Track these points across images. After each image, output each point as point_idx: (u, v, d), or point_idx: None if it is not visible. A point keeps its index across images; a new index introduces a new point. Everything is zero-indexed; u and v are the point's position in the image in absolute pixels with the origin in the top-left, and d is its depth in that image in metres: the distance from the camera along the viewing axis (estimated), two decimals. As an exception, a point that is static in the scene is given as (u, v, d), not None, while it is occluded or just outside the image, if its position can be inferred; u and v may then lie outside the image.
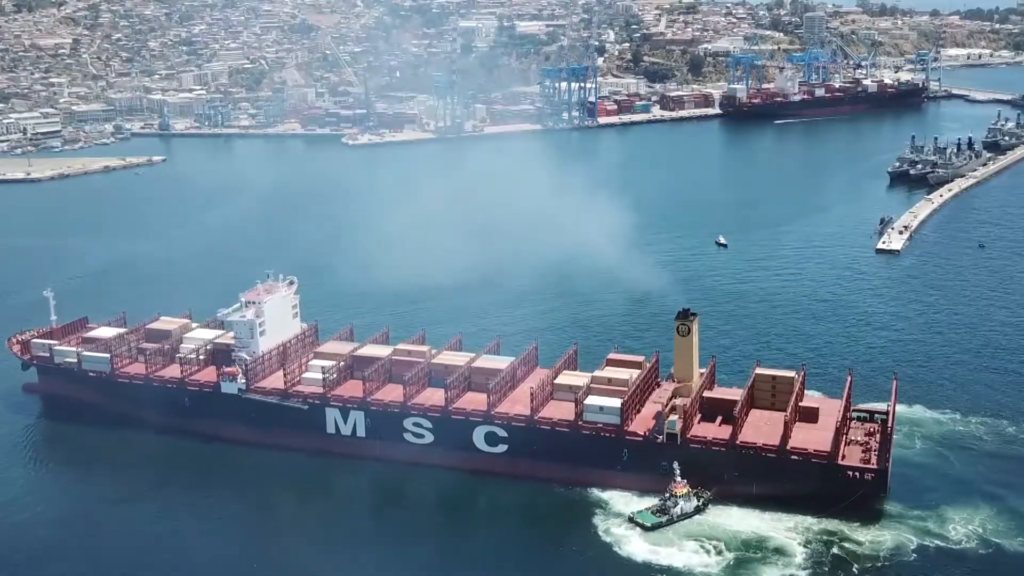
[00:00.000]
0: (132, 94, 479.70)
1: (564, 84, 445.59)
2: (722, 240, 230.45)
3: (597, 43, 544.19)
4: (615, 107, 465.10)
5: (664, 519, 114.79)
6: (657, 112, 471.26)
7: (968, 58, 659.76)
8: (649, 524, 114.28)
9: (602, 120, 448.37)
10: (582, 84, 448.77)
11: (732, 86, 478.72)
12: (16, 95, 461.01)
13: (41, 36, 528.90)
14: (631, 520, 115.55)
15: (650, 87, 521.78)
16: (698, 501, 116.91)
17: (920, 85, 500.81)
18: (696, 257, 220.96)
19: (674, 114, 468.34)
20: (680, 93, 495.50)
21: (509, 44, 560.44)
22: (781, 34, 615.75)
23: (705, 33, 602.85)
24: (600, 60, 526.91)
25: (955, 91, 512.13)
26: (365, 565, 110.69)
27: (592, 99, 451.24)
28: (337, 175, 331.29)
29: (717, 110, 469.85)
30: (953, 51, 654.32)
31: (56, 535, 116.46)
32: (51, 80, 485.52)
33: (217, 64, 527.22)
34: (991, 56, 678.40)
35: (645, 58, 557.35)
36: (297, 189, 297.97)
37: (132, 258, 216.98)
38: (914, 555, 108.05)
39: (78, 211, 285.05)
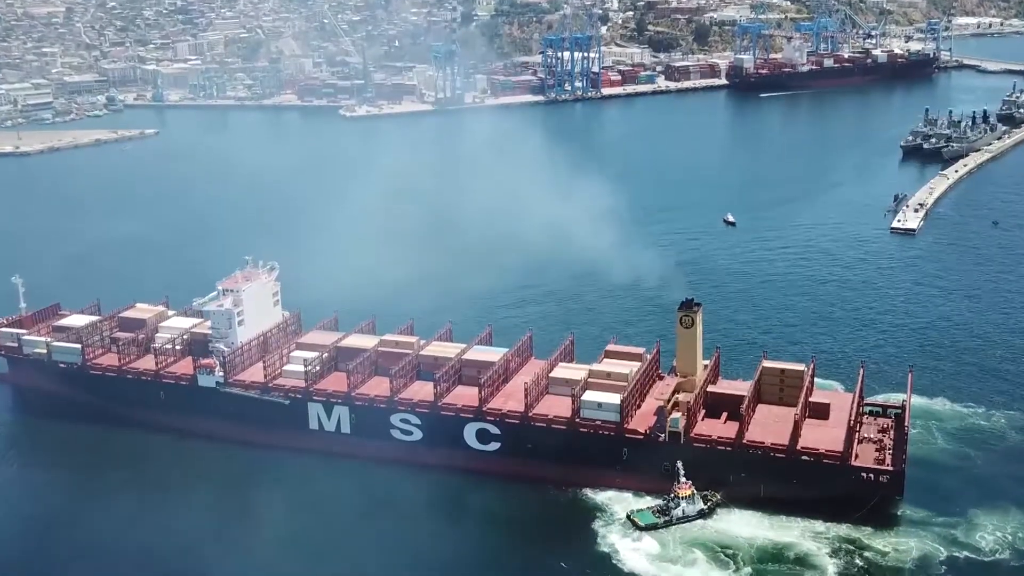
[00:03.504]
0: (126, 64, 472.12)
1: (567, 54, 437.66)
2: (730, 218, 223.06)
3: (600, 11, 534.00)
4: (619, 77, 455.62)
5: (662, 520, 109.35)
6: (662, 83, 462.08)
7: (979, 27, 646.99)
8: (644, 524, 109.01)
9: (606, 91, 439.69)
10: (585, 54, 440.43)
11: (739, 56, 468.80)
12: (7, 65, 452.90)
13: (34, 4, 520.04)
14: (629, 518, 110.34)
15: (655, 57, 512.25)
16: (704, 504, 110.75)
17: (931, 55, 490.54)
18: (703, 236, 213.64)
19: (679, 85, 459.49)
20: (685, 63, 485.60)
21: (510, 12, 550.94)
22: (788, 2, 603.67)
23: (711, 1, 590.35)
24: (604, 29, 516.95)
25: (966, 61, 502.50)
26: (349, 571, 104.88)
27: (596, 69, 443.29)
28: (332, 150, 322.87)
29: (723, 81, 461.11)
30: (963, 20, 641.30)
31: (21, 534, 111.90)
32: (43, 50, 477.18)
33: (213, 33, 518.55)
34: (1002, 25, 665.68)
35: (649, 27, 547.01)
36: (289, 165, 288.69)
37: (110, 239, 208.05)
38: (943, 567, 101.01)
39: (61, 188, 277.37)
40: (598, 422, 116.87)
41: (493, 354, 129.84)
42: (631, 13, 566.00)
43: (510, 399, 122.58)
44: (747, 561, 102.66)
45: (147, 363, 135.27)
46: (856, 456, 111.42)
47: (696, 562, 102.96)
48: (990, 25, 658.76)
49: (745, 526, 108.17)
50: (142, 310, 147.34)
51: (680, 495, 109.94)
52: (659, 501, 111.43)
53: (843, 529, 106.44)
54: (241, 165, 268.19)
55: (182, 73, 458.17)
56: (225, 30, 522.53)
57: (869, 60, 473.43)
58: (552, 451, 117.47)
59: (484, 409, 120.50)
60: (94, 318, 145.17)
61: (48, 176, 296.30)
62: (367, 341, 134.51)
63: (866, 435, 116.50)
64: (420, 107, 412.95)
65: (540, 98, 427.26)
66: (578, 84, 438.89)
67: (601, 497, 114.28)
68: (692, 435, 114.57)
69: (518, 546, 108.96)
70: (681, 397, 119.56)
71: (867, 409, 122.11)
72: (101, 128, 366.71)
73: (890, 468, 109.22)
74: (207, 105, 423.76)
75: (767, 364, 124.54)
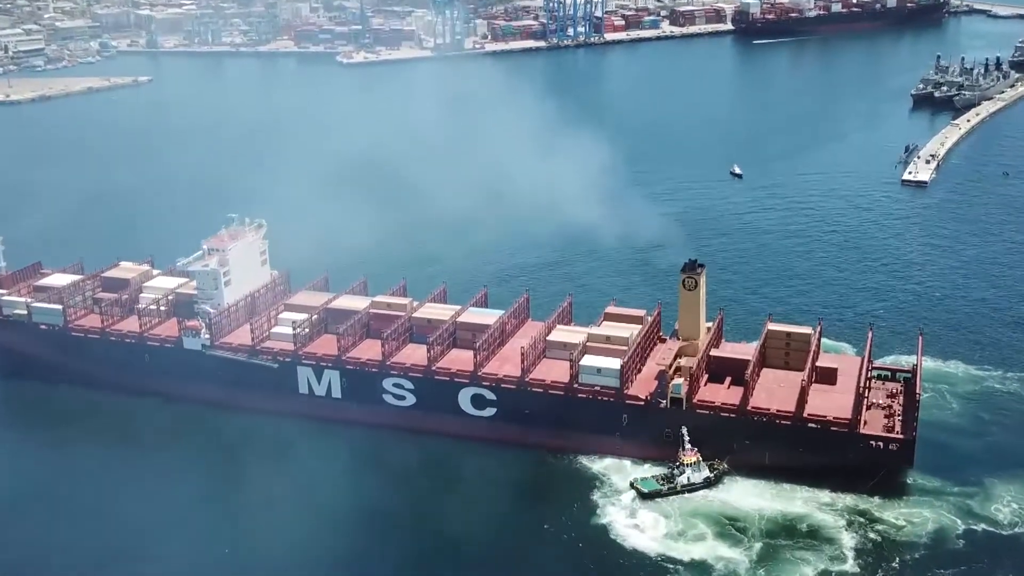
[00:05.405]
0: (119, 10, 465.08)
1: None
2: (737, 170, 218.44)
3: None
4: (622, 22, 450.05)
5: (665, 487, 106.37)
6: (666, 28, 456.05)
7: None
8: (646, 490, 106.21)
9: (609, 36, 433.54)
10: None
11: (745, 0, 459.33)
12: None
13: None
14: (632, 486, 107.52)
15: (659, 1, 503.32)
16: (710, 472, 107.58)
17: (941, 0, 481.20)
18: (709, 189, 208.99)
19: (684, 30, 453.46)
20: (690, 8, 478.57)
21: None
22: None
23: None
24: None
25: (977, 6, 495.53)
26: (340, 539, 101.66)
27: (598, 14, 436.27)
28: (328, 98, 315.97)
29: (729, 26, 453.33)
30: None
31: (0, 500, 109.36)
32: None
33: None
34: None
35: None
36: (283, 114, 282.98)
37: (95, 194, 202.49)
38: (961, 542, 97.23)
39: (49, 139, 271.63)
40: (597, 387, 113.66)
41: (489, 316, 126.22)
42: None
43: (506, 363, 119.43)
44: (758, 535, 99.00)
45: (131, 325, 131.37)
46: (865, 423, 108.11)
47: (704, 536, 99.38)
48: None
49: (751, 496, 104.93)
50: (126, 269, 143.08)
51: (685, 462, 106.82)
52: (662, 469, 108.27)
53: (852, 499, 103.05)
54: (233, 116, 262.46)
55: (177, 18, 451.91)
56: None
57: (878, 5, 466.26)
58: (549, 417, 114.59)
59: (479, 374, 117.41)
60: (76, 277, 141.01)
61: (37, 126, 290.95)
62: (358, 302, 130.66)
63: (875, 401, 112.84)
64: (419, 53, 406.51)
65: (541, 44, 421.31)
66: (580, 29, 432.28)
67: (599, 465, 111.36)
68: (695, 401, 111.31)
69: (514, 516, 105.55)
70: (683, 362, 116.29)
71: (876, 373, 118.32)
72: (94, 75, 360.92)
73: (900, 436, 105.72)
74: (202, 52, 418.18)
75: (772, 327, 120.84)
